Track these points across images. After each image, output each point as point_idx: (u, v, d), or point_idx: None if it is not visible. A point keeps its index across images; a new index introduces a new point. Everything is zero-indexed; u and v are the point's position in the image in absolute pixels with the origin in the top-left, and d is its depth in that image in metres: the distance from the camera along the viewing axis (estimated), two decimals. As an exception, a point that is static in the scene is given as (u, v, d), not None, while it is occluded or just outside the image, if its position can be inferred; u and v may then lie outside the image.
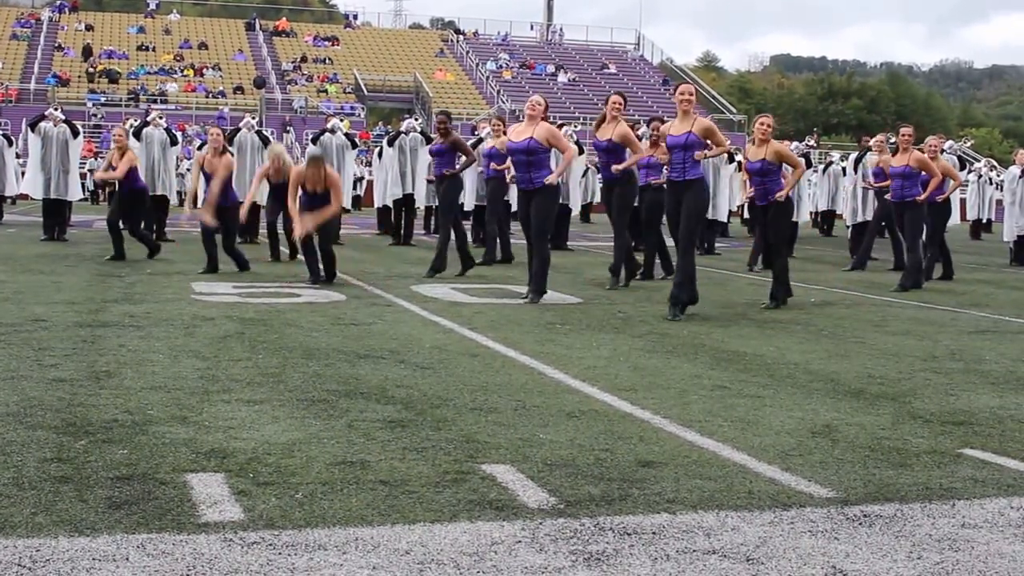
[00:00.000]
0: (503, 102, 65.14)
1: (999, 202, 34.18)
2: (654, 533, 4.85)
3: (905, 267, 17.37)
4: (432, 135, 21.21)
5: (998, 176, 34.25)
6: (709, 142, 12.39)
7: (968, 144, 27.37)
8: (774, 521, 5.05)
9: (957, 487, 5.69)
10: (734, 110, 73.36)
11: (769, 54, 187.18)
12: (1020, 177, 23.38)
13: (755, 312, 13.05)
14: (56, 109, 23.95)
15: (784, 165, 13.96)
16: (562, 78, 74.78)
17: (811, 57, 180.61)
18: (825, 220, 35.65)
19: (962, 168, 28.59)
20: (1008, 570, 4.52)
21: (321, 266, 15.16)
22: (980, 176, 34.85)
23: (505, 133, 17.33)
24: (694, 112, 12.68)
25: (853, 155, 26.35)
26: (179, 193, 32.83)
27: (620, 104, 14.98)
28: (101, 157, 39.67)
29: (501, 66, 75.67)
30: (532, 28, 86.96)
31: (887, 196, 17.98)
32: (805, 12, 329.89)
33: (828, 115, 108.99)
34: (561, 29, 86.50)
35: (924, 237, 17.52)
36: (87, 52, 69.72)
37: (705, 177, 13.05)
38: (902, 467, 6.05)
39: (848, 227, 25.75)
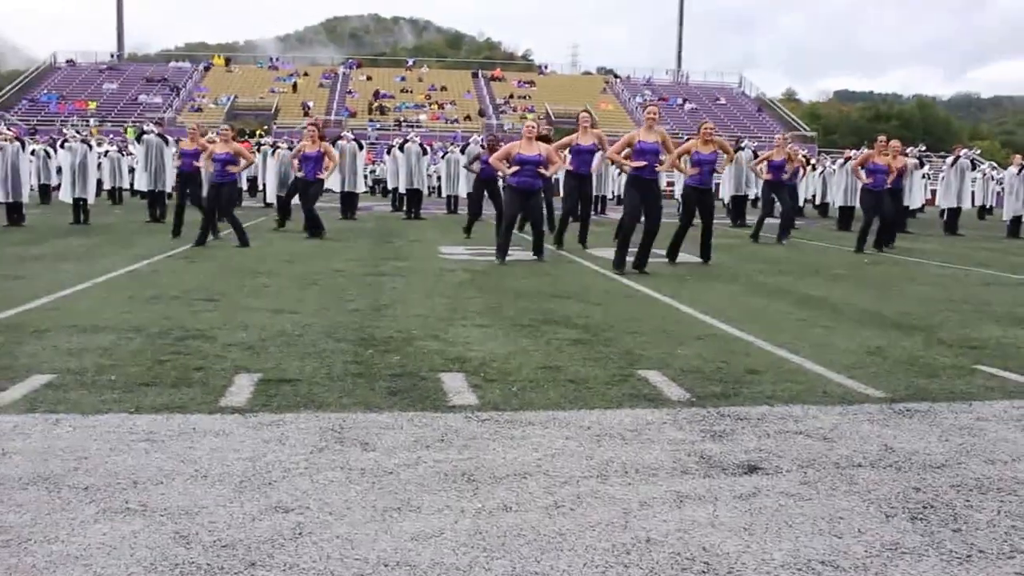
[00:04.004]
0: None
1: (999, 193, 33.26)
2: (758, 419, 4.76)
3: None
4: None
5: (998, 174, 33.32)
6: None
7: (976, 152, 26.56)
8: (843, 413, 4.92)
9: (973, 392, 5.49)
10: (808, 129, 71.32)
11: (833, 89, 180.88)
12: (1017, 174, 22.46)
13: (825, 269, 12.69)
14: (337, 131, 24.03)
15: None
16: (687, 107, 73.58)
17: (862, 91, 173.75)
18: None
19: (975, 168, 27.43)
20: (1011, 451, 4.36)
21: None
22: (985, 174, 33.90)
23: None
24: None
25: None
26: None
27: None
28: (380, 163, 39.91)
29: (645, 99, 74.64)
30: (667, 72, 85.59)
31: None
32: (859, 57, 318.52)
33: (875, 132, 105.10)
34: (687, 73, 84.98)
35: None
36: (368, 94, 70.91)
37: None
38: (932, 377, 5.84)
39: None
